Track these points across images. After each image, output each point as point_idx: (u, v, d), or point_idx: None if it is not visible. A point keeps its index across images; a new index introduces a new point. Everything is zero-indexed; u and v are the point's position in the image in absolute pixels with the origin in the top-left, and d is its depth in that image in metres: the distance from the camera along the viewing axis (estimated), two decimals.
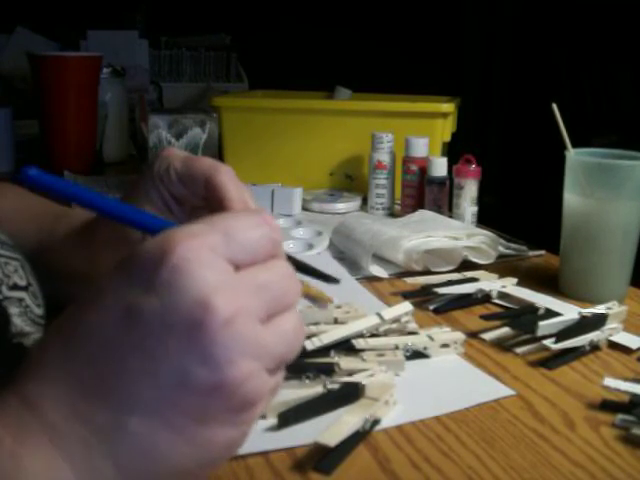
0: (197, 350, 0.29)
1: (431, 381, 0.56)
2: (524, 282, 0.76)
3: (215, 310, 0.29)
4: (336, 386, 0.52)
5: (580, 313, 0.63)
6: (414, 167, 1.05)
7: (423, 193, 1.03)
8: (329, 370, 0.53)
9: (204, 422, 0.31)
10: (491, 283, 0.74)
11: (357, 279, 0.79)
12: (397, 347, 0.58)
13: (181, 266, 0.29)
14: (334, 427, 0.46)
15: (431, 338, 0.60)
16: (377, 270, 0.80)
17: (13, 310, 0.45)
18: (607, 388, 0.55)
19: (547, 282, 0.77)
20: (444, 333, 0.62)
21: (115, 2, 2.15)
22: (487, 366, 0.59)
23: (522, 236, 0.94)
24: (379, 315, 0.60)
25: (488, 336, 0.64)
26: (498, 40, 2.88)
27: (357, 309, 0.64)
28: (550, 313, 0.65)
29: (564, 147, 0.74)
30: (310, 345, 0.56)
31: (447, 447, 0.47)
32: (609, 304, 0.66)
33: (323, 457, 0.44)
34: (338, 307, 0.64)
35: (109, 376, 0.30)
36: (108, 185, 1.20)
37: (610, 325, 0.63)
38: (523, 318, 0.65)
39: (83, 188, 0.35)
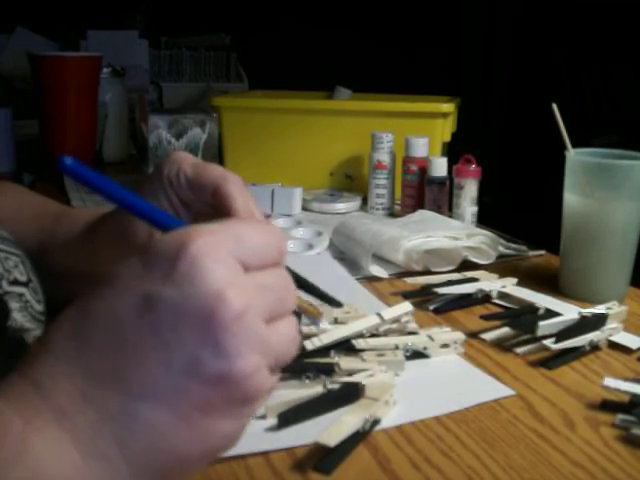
0: (209, 340, 0.30)
1: (431, 381, 0.56)
2: (524, 282, 0.76)
3: (229, 303, 0.30)
4: (336, 386, 0.52)
5: (580, 313, 0.63)
6: (414, 167, 1.05)
7: (423, 193, 1.03)
8: (329, 370, 0.53)
9: (207, 412, 0.31)
10: (491, 283, 0.74)
11: (357, 279, 0.79)
12: (397, 347, 0.58)
13: (199, 259, 0.30)
14: (334, 427, 0.46)
15: (431, 338, 0.60)
16: (377, 270, 0.80)
17: (13, 305, 0.45)
18: (607, 388, 0.55)
19: (547, 282, 0.77)
20: (444, 333, 0.62)
21: (115, 2, 2.15)
22: (487, 366, 0.59)
23: (522, 236, 0.94)
24: (379, 315, 0.61)
25: (488, 336, 0.64)
26: (498, 40, 2.88)
27: (357, 309, 0.64)
28: (550, 313, 0.65)
29: (564, 147, 0.74)
30: (310, 345, 0.56)
31: (447, 447, 0.47)
32: (609, 304, 0.66)
33: (323, 457, 0.44)
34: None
35: (122, 361, 0.31)
36: None
37: (610, 325, 0.63)
38: (523, 318, 0.65)
39: (112, 182, 0.36)
